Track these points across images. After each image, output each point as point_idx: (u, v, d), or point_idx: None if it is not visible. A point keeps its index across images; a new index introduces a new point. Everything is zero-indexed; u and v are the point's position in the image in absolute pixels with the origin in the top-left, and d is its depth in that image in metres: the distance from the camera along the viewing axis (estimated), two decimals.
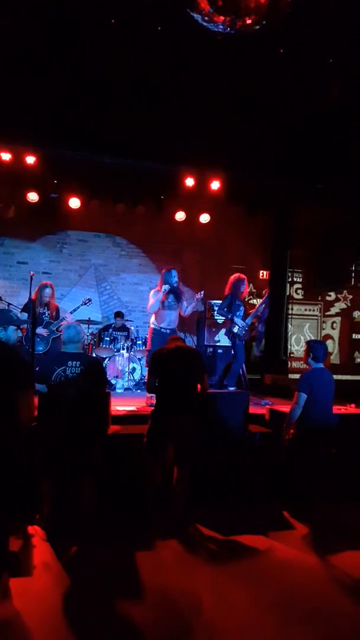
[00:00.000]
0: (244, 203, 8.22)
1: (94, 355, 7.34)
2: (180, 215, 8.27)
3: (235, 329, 6.33)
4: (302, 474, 4.41)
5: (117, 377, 7.42)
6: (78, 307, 6.67)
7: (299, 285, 9.67)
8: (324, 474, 4.41)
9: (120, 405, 5.43)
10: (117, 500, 4.17)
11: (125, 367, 7.47)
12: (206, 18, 4.42)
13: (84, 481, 3.81)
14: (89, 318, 7.59)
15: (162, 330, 5.84)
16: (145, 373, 5.78)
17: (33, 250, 8.57)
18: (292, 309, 9.45)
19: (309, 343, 4.60)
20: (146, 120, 6.41)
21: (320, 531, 4.02)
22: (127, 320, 8.14)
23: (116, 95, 6.23)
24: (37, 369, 4.30)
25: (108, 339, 7.72)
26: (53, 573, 3.17)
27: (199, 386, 4.15)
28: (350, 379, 9.20)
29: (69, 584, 3.05)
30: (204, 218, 8.32)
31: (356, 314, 9.83)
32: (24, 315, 6.06)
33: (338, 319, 9.79)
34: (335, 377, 4.61)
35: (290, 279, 9.24)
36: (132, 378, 7.47)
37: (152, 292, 5.98)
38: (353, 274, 9.74)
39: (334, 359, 9.60)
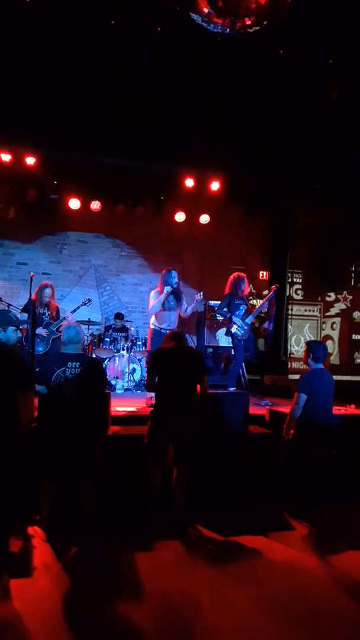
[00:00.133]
0: (243, 204, 8.24)
1: (94, 356, 7.33)
2: (180, 216, 8.27)
3: (233, 329, 6.32)
4: (302, 475, 4.41)
5: (117, 377, 7.42)
6: (78, 308, 6.66)
7: (299, 286, 9.68)
8: (324, 474, 4.41)
9: (120, 406, 5.43)
10: (117, 500, 4.17)
11: (125, 368, 7.47)
12: (206, 19, 4.43)
13: (84, 482, 3.80)
14: (89, 319, 7.59)
15: (162, 331, 5.83)
16: (145, 373, 5.78)
17: (33, 251, 8.57)
18: (292, 310, 9.46)
19: (309, 344, 4.59)
20: (146, 121, 6.43)
21: (320, 532, 4.01)
22: (127, 321, 8.14)
23: (116, 96, 6.24)
24: (37, 369, 4.30)
25: (108, 339, 7.72)
26: (53, 574, 3.17)
27: (198, 387, 4.15)
28: (350, 379, 9.20)
29: (69, 585, 3.05)
30: (204, 219, 8.32)
31: (356, 314, 9.84)
32: (24, 316, 6.05)
33: (338, 320, 9.79)
34: (335, 377, 4.61)
35: (290, 280, 9.25)
36: (132, 379, 7.47)
37: (152, 292, 5.97)
38: (353, 275, 9.74)
39: (334, 359, 9.60)
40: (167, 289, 5.71)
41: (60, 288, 8.33)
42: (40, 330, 6.17)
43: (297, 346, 9.43)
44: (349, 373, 9.39)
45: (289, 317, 9.32)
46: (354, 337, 9.80)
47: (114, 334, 7.78)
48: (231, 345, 6.74)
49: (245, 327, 6.26)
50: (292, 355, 9.29)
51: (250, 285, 8.78)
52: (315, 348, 4.50)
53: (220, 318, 7.35)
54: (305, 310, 9.64)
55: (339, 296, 9.78)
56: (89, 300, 6.87)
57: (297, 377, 4.66)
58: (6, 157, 6.77)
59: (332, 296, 9.76)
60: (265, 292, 8.79)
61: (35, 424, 3.77)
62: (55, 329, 6.26)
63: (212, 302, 7.69)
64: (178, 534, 3.78)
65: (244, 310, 6.37)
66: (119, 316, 7.99)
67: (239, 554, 3.55)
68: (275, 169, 7.28)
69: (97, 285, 8.90)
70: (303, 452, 4.36)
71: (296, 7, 4.56)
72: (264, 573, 3.31)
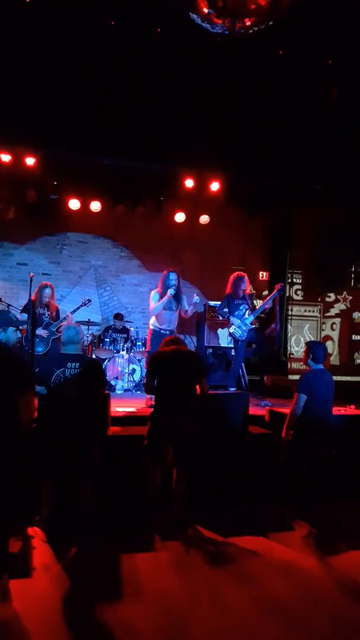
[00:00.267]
0: (243, 204, 8.24)
1: (93, 356, 7.33)
2: (179, 217, 8.28)
3: (232, 329, 6.31)
4: (302, 475, 4.40)
5: (116, 378, 7.42)
6: (78, 308, 6.65)
7: (299, 287, 9.68)
8: (323, 474, 4.41)
9: (119, 407, 5.43)
10: (116, 501, 4.17)
11: (125, 368, 7.47)
12: (206, 20, 4.43)
13: (84, 482, 3.80)
14: (89, 319, 7.59)
15: (162, 331, 5.84)
16: (144, 376, 5.79)
17: (33, 252, 8.57)
18: (291, 310, 9.46)
19: (309, 344, 4.59)
20: (146, 121, 6.43)
21: (320, 532, 4.01)
22: (126, 322, 8.14)
23: (116, 97, 6.24)
24: (36, 370, 4.30)
25: (108, 340, 7.72)
26: (53, 574, 3.16)
27: (198, 388, 4.15)
28: (349, 380, 9.19)
29: (68, 586, 3.05)
30: (204, 219, 8.32)
31: (356, 315, 9.83)
32: (24, 316, 6.05)
33: (338, 320, 9.79)
34: (334, 378, 4.61)
35: (290, 280, 9.25)
36: (131, 379, 7.47)
37: (152, 293, 5.98)
38: (352, 275, 9.74)
39: (334, 360, 9.60)
40: (170, 291, 5.73)
41: (60, 288, 8.33)
42: (40, 331, 6.17)
43: (297, 347, 9.42)
44: (349, 373, 9.39)
45: (289, 317, 9.32)
46: (354, 337, 9.79)
47: (113, 334, 7.78)
48: (232, 345, 6.74)
49: (245, 327, 6.25)
50: (292, 356, 9.29)
51: (250, 286, 8.78)
52: (315, 348, 4.50)
53: (221, 318, 7.34)
54: (305, 311, 9.64)
55: (338, 297, 9.77)
56: (89, 300, 6.87)
57: (297, 377, 4.65)
58: (6, 158, 6.77)
59: (331, 297, 9.76)
60: (265, 292, 8.79)
61: (35, 424, 3.77)
62: (55, 329, 6.26)
63: (212, 303, 7.69)
64: (178, 535, 3.78)
65: (244, 310, 6.34)
66: (118, 316, 7.99)
67: (238, 555, 3.54)
68: (275, 169, 7.28)
69: (96, 285, 8.90)
70: (303, 453, 4.35)
71: (296, 8, 4.56)
72: (264, 573, 3.30)
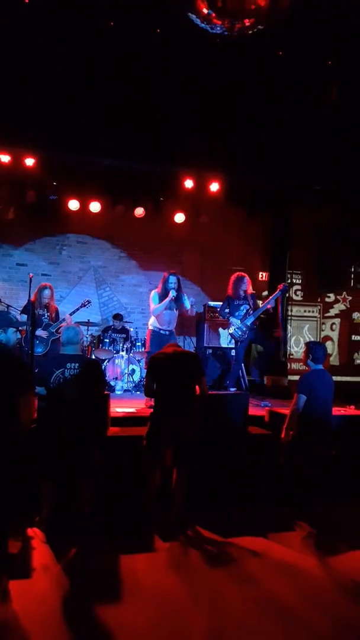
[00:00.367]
0: (243, 204, 8.24)
1: (93, 357, 7.33)
2: (179, 217, 8.28)
3: (231, 330, 6.31)
4: (301, 475, 4.41)
5: (116, 378, 7.42)
6: (77, 309, 6.65)
7: (299, 287, 9.68)
8: (323, 475, 4.41)
9: (119, 407, 5.43)
10: (116, 502, 4.17)
11: (125, 369, 7.47)
12: (205, 20, 4.43)
13: (84, 483, 3.80)
14: (88, 320, 7.59)
15: (161, 332, 5.86)
16: (145, 375, 5.80)
17: (32, 252, 8.57)
18: (291, 311, 9.46)
19: (309, 344, 4.59)
20: (145, 122, 6.43)
21: (320, 532, 4.01)
22: (126, 322, 8.14)
23: (115, 97, 6.24)
24: (36, 371, 4.30)
25: (108, 340, 7.72)
26: (52, 575, 3.16)
27: (197, 389, 4.16)
28: (349, 380, 9.19)
29: (68, 586, 3.05)
30: (203, 220, 8.32)
31: (355, 315, 9.83)
32: (24, 317, 6.05)
33: (337, 321, 9.79)
34: (334, 378, 4.61)
35: (289, 281, 9.25)
36: (131, 380, 7.47)
37: (152, 293, 5.99)
38: (352, 275, 9.74)
39: (334, 360, 9.60)
40: (172, 293, 5.74)
41: (60, 289, 8.33)
42: (40, 332, 6.16)
43: (296, 347, 9.43)
44: (349, 374, 9.39)
45: (289, 317, 9.32)
46: (354, 337, 9.80)
47: (113, 335, 7.78)
48: (232, 346, 6.73)
49: (244, 328, 6.24)
50: (291, 356, 9.29)
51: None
52: (314, 349, 4.50)
53: (222, 319, 7.32)
54: (305, 311, 9.65)
55: (338, 297, 9.78)
56: (88, 301, 6.86)
57: (296, 378, 4.65)
58: (5, 158, 6.77)
59: (331, 297, 9.76)
60: (265, 293, 8.79)
61: (35, 424, 3.77)
62: (54, 330, 6.25)
63: (212, 303, 7.69)
64: (178, 535, 3.78)
65: (244, 311, 6.33)
66: (117, 317, 7.99)
67: (238, 555, 3.54)
68: (274, 170, 7.29)
69: (96, 286, 8.90)
70: (303, 453, 4.35)
71: (295, 8, 4.56)
72: (264, 574, 3.30)
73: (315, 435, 4.36)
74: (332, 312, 9.78)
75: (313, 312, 9.68)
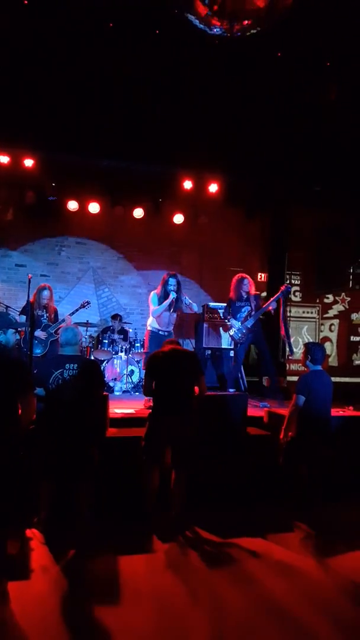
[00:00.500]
0: (242, 206, 8.25)
1: (92, 357, 7.33)
2: (178, 218, 8.29)
3: (231, 332, 6.31)
4: (300, 476, 4.41)
5: (115, 379, 7.42)
6: (77, 310, 6.64)
7: (297, 288, 9.68)
8: (322, 476, 4.42)
9: (118, 408, 5.43)
10: (115, 503, 4.16)
11: (124, 370, 7.47)
12: (204, 22, 4.44)
13: (82, 484, 3.80)
14: (87, 320, 7.59)
15: (160, 332, 5.86)
16: (143, 377, 5.79)
17: (31, 253, 8.56)
18: (290, 311, 9.45)
19: (307, 345, 4.60)
20: (144, 123, 6.44)
21: (319, 533, 4.01)
22: (125, 323, 8.14)
23: (114, 98, 6.25)
24: (34, 372, 4.30)
25: (106, 341, 7.72)
26: (51, 576, 3.16)
27: (196, 389, 4.15)
28: (348, 381, 9.19)
29: (67, 587, 3.04)
30: (202, 221, 8.33)
31: (354, 316, 9.84)
32: (23, 318, 6.05)
33: (336, 321, 9.79)
34: (333, 379, 4.62)
35: (288, 282, 9.25)
36: (130, 380, 7.47)
37: (151, 294, 5.99)
38: (351, 276, 9.74)
39: (332, 361, 9.60)
40: (173, 294, 5.74)
41: (59, 290, 8.32)
42: (39, 333, 6.16)
43: (295, 348, 9.42)
44: (348, 374, 9.39)
45: (288, 319, 9.31)
46: (352, 338, 9.80)
47: (112, 335, 7.78)
48: (231, 347, 6.74)
49: (244, 330, 6.24)
50: (290, 357, 9.29)
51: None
52: (313, 350, 4.51)
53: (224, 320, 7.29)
54: (304, 312, 9.65)
55: (337, 298, 9.78)
56: (88, 302, 6.85)
57: (295, 379, 4.65)
58: (4, 159, 6.77)
59: (330, 298, 9.77)
60: (264, 294, 8.79)
61: (34, 425, 3.77)
62: (53, 331, 6.25)
63: (211, 304, 7.69)
64: (177, 536, 3.78)
65: (245, 313, 6.31)
66: (116, 317, 7.98)
67: (237, 556, 3.54)
68: (273, 171, 7.29)
69: (95, 287, 8.90)
70: (302, 454, 4.36)
71: (294, 9, 4.57)
72: (263, 574, 3.30)
73: (314, 436, 4.36)
74: (331, 313, 9.78)
75: (312, 313, 9.68)
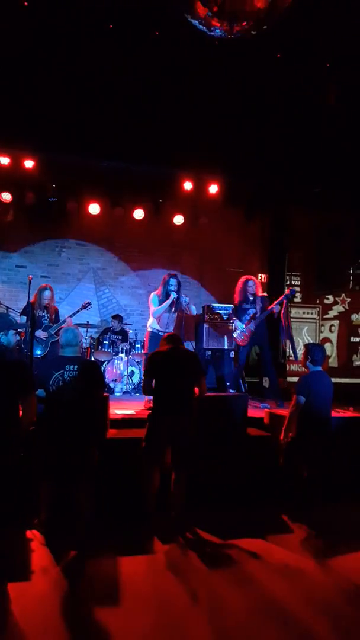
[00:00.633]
0: (242, 206, 8.25)
1: (92, 358, 7.33)
2: (178, 219, 8.29)
3: (235, 334, 6.31)
4: (300, 477, 4.41)
5: (115, 380, 7.42)
6: (78, 311, 6.62)
7: (297, 288, 9.68)
8: (322, 476, 4.42)
9: (118, 409, 5.43)
10: (115, 504, 4.17)
11: (124, 371, 7.47)
12: (203, 23, 4.44)
13: (82, 485, 3.80)
14: (88, 321, 7.60)
15: (160, 333, 5.85)
16: (142, 376, 5.80)
17: (32, 254, 8.57)
18: (290, 312, 9.44)
19: (307, 346, 4.60)
20: (144, 124, 6.44)
21: (319, 534, 4.01)
22: (125, 324, 8.14)
23: (115, 100, 6.26)
24: (35, 373, 4.30)
25: (107, 342, 7.72)
26: (51, 577, 3.16)
27: (196, 389, 4.16)
28: (348, 382, 9.19)
29: (67, 589, 3.04)
30: (202, 222, 8.33)
31: (354, 317, 9.84)
32: (23, 319, 6.05)
33: (336, 322, 9.79)
34: (333, 380, 4.62)
35: (288, 282, 9.25)
36: (130, 381, 7.47)
37: (151, 295, 6.00)
38: (351, 277, 9.75)
39: (332, 362, 9.60)
40: (173, 295, 5.75)
41: (59, 291, 8.32)
42: (40, 333, 6.16)
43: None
44: (348, 375, 9.38)
45: (290, 325, 9.30)
46: (353, 339, 9.80)
47: (112, 336, 7.78)
48: (232, 347, 6.73)
49: (247, 332, 6.23)
50: (290, 358, 9.29)
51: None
52: (313, 351, 4.51)
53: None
54: (304, 313, 9.65)
55: (337, 299, 9.78)
56: (89, 303, 6.83)
57: (295, 379, 4.66)
58: (5, 160, 6.78)
59: (330, 299, 9.76)
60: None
61: (34, 426, 3.77)
62: (54, 332, 6.24)
63: (214, 305, 7.68)
64: (177, 537, 3.78)
65: (250, 315, 6.30)
66: (116, 318, 7.98)
67: (237, 557, 3.54)
68: (273, 172, 7.30)
69: (95, 288, 8.91)
70: (302, 454, 4.36)
71: (294, 11, 4.57)
72: (264, 576, 3.30)
73: (315, 437, 4.36)
74: (331, 313, 9.78)
75: (312, 313, 9.68)
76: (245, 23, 4.53)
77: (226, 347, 7.35)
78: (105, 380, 7.09)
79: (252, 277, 6.50)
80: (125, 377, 7.44)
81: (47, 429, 3.76)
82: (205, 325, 7.44)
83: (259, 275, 9.28)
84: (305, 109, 6.57)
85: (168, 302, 5.75)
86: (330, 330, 9.75)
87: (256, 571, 3.36)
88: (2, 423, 3.40)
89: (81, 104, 6.22)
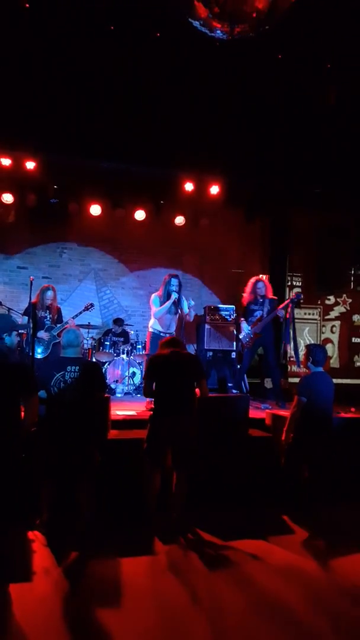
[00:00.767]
0: (243, 207, 8.25)
1: (93, 359, 7.34)
2: (179, 220, 8.29)
3: (241, 335, 6.30)
4: (302, 478, 4.41)
5: (116, 381, 7.42)
6: (80, 313, 6.62)
7: (299, 289, 9.68)
8: (324, 477, 4.41)
9: (119, 410, 5.43)
10: (116, 505, 4.17)
11: (125, 372, 7.47)
12: (204, 24, 4.45)
13: (83, 486, 3.80)
14: (89, 322, 7.60)
15: (162, 334, 5.86)
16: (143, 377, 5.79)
17: (33, 255, 8.58)
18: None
19: (309, 347, 4.60)
20: (146, 126, 6.45)
21: (320, 535, 4.01)
22: (126, 325, 8.14)
23: (116, 101, 6.27)
24: (36, 374, 4.31)
25: (108, 343, 7.72)
26: (53, 578, 3.16)
27: (198, 391, 4.16)
28: (349, 382, 9.19)
29: (68, 590, 3.05)
30: (203, 222, 8.34)
31: (356, 317, 9.83)
32: (25, 320, 6.05)
33: (337, 323, 9.78)
34: (334, 380, 4.61)
35: (289, 283, 9.25)
36: (132, 382, 7.47)
37: (152, 296, 6.00)
38: (352, 278, 9.74)
39: (334, 362, 9.59)
40: (174, 295, 5.75)
41: (60, 292, 8.31)
42: (42, 334, 6.16)
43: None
44: (349, 376, 9.38)
45: (294, 333, 9.29)
46: (354, 340, 9.79)
47: (113, 337, 7.78)
48: (233, 348, 6.73)
49: (252, 335, 6.23)
50: (291, 359, 9.28)
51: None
52: (314, 351, 4.51)
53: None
54: (305, 314, 9.63)
55: (338, 299, 9.77)
56: (92, 305, 6.82)
57: (297, 380, 4.66)
58: (6, 162, 6.79)
59: (331, 299, 9.76)
60: None
61: (35, 427, 3.78)
62: (56, 333, 6.24)
63: (216, 306, 7.69)
64: (178, 538, 3.78)
65: (257, 317, 6.29)
66: (118, 321, 7.98)
67: (238, 558, 3.54)
68: (274, 173, 7.30)
69: (97, 289, 8.91)
70: (303, 455, 4.36)
71: (295, 12, 4.58)
72: (264, 577, 3.30)
73: (316, 438, 4.36)
74: (332, 314, 9.77)
75: (313, 314, 9.67)
76: (246, 24, 4.54)
77: (227, 348, 7.35)
78: (107, 381, 7.10)
79: (262, 279, 6.47)
80: (127, 378, 7.45)
81: (49, 429, 3.77)
82: (207, 326, 7.44)
83: (260, 276, 9.28)
84: (306, 110, 6.57)
85: (169, 302, 5.75)
86: (332, 331, 9.74)
87: (257, 572, 3.36)
88: (3, 424, 3.41)
89: (82, 105, 6.23)
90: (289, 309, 6.29)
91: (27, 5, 5.12)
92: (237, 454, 4.72)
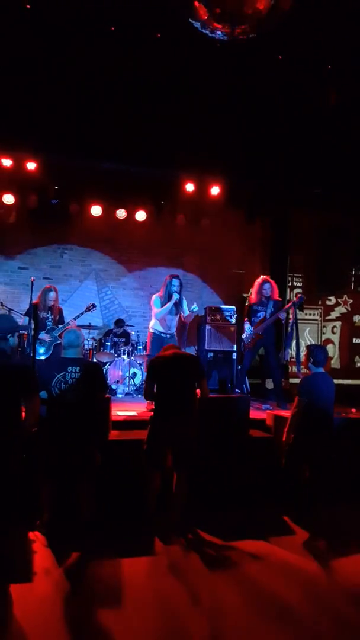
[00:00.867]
0: (243, 208, 8.25)
1: (94, 360, 7.34)
2: (180, 221, 8.29)
3: (243, 336, 6.30)
4: (302, 478, 4.41)
5: (117, 382, 7.42)
6: (82, 314, 6.61)
7: (299, 290, 9.68)
8: (324, 477, 4.41)
9: (120, 411, 5.44)
10: (117, 505, 4.17)
11: (126, 372, 7.47)
12: (205, 25, 4.45)
13: (84, 486, 3.80)
14: (90, 323, 7.60)
15: (162, 335, 5.87)
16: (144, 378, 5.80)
17: (34, 256, 8.58)
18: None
19: (310, 347, 4.60)
20: (146, 126, 6.45)
21: (321, 535, 4.01)
22: (127, 326, 8.14)
23: (116, 102, 6.27)
24: (37, 375, 4.31)
25: (109, 344, 7.73)
26: (53, 579, 3.17)
27: (198, 392, 4.16)
28: (350, 383, 9.19)
29: (69, 590, 3.05)
30: (204, 223, 8.34)
31: (356, 318, 9.83)
32: (26, 320, 6.05)
33: (338, 324, 9.79)
34: (335, 381, 4.61)
35: (290, 284, 9.26)
36: (132, 383, 7.47)
37: (153, 297, 6.00)
38: (353, 278, 9.74)
39: (335, 363, 9.59)
40: (175, 296, 5.75)
41: (61, 292, 8.30)
42: (43, 336, 6.16)
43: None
44: (350, 377, 9.38)
45: (289, 321, 9.31)
46: (355, 340, 9.79)
47: (114, 338, 7.79)
48: (233, 349, 6.72)
49: (254, 336, 6.23)
50: (292, 359, 9.28)
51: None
52: (315, 352, 4.51)
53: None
54: (306, 314, 9.64)
55: (339, 300, 9.78)
56: (93, 306, 6.82)
57: (297, 381, 4.66)
58: (7, 162, 6.80)
59: (332, 300, 9.76)
60: None
61: (36, 428, 3.78)
62: (57, 334, 6.23)
63: (219, 306, 7.69)
64: (178, 538, 3.79)
65: (260, 318, 6.29)
66: (118, 322, 7.98)
67: (239, 558, 3.54)
68: (274, 173, 7.30)
69: (97, 289, 8.91)
70: (304, 456, 4.36)
71: (295, 12, 4.58)
72: (265, 577, 3.30)
73: (316, 438, 4.36)
74: (333, 315, 9.78)
75: (314, 315, 9.67)
76: (246, 25, 4.54)
77: (228, 349, 7.35)
78: (108, 381, 7.11)
79: (270, 279, 6.46)
80: (128, 378, 7.45)
81: (49, 429, 3.77)
82: (208, 327, 7.44)
83: (261, 276, 9.28)
84: (306, 111, 6.57)
85: (170, 303, 5.75)
86: (333, 332, 9.75)
87: (257, 572, 3.36)
88: (4, 425, 3.41)
89: (83, 105, 6.23)
90: (292, 312, 6.26)
91: (28, 6, 5.13)
92: (237, 455, 4.72)
